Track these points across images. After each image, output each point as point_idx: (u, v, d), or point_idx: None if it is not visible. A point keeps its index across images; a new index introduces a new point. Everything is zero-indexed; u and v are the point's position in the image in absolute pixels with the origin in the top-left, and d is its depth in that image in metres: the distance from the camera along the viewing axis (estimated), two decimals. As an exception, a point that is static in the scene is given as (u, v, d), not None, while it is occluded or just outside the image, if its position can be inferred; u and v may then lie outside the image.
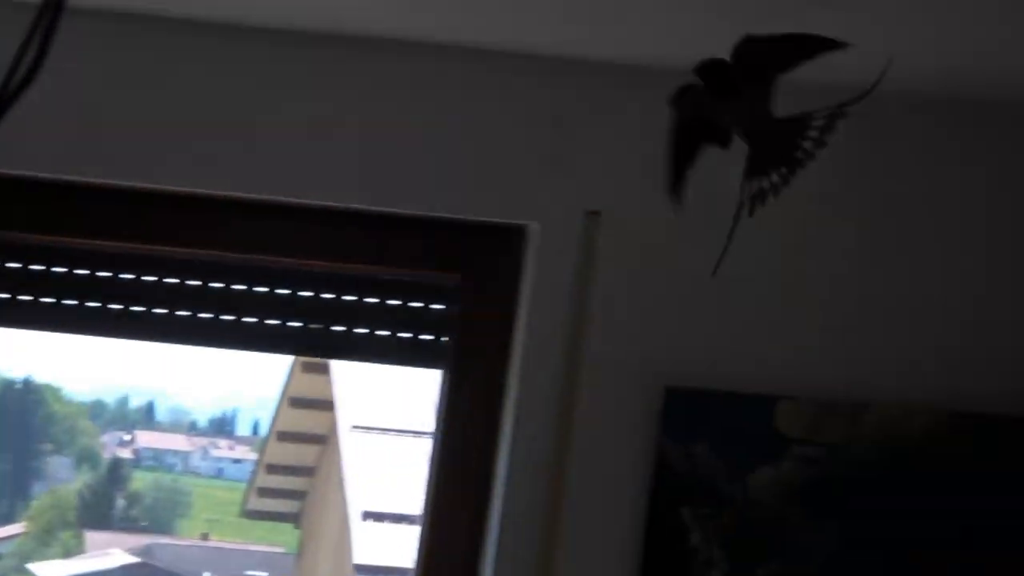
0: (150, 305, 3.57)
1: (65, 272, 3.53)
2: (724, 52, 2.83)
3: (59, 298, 3.54)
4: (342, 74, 3.40)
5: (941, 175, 3.53)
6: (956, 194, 3.53)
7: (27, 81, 1.37)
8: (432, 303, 3.58)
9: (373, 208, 3.44)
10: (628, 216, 3.44)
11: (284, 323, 3.59)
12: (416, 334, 3.58)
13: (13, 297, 3.55)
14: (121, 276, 3.55)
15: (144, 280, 3.57)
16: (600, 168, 3.44)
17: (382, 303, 3.55)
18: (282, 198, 3.42)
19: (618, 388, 3.42)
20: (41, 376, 4.63)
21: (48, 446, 5.01)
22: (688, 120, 2.11)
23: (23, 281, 3.51)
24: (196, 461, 5.34)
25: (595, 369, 3.43)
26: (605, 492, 3.44)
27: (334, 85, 3.41)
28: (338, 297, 3.58)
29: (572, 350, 3.41)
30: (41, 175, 3.36)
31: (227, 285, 3.54)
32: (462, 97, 3.43)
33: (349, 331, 3.57)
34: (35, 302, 3.52)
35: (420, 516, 3.55)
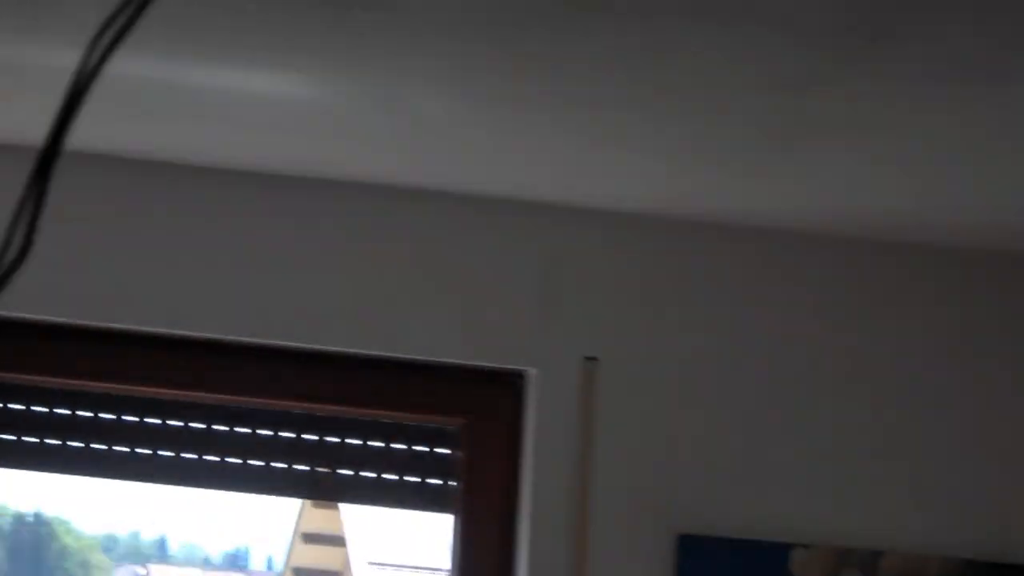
0: (156, 447, 3.56)
1: (69, 414, 3.53)
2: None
3: (65, 440, 3.53)
4: (348, 220, 3.42)
5: (956, 325, 3.51)
6: (970, 344, 3.51)
7: (16, 265, 1.36)
8: (437, 447, 3.57)
9: (377, 353, 3.45)
10: (627, 361, 3.43)
11: (290, 466, 3.56)
12: (423, 478, 3.56)
13: (19, 438, 3.53)
14: (126, 418, 3.55)
15: (149, 423, 3.56)
16: (597, 314, 3.46)
17: (387, 447, 3.53)
18: (289, 343, 3.43)
19: (630, 535, 3.40)
20: (51, 510, 4.60)
21: (64, 580, 5.02)
22: None
23: (29, 422, 3.50)
24: (209, 595, 5.30)
25: (605, 515, 3.41)
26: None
27: (338, 232, 3.43)
28: (343, 441, 3.56)
29: (580, 497, 3.38)
30: (49, 319, 3.35)
31: (231, 428, 3.53)
32: (462, 244, 3.46)
33: (357, 474, 3.55)
34: (41, 443, 3.52)
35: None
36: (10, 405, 3.46)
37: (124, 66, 2.46)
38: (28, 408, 3.48)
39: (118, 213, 3.35)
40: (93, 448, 3.52)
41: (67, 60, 2.70)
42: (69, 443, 3.52)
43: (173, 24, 2.39)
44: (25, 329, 3.31)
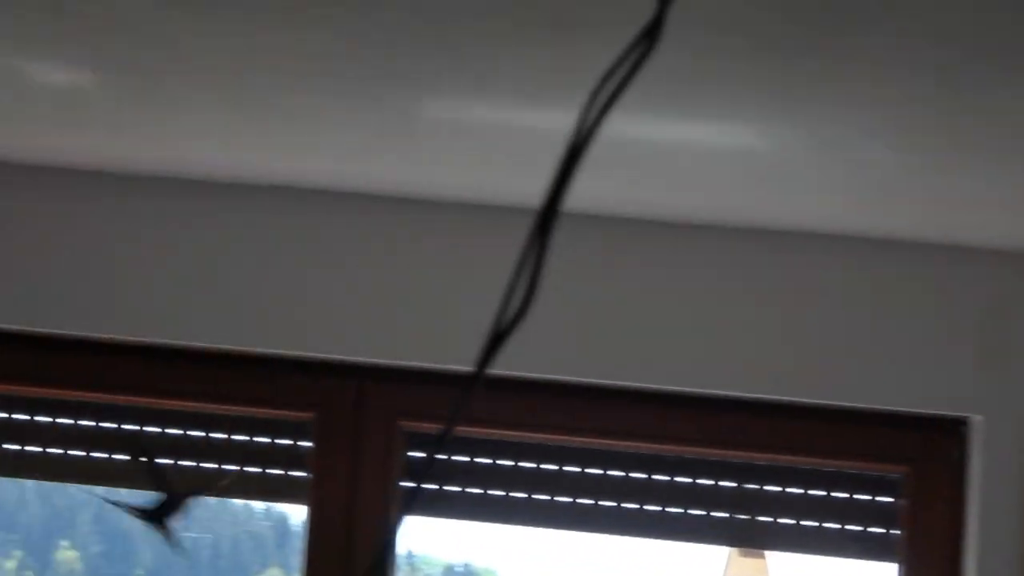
0: (589, 496, 3.62)
1: (490, 463, 3.62)
2: None
3: (487, 489, 3.65)
4: (776, 269, 3.43)
5: None
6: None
7: (517, 321, 1.38)
8: (878, 495, 3.55)
9: (817, 402, 3.44)
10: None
11: (731, 516, 3.58)
12: (865, 527, 3.53)
13: (441, 488, 3.65)
14: (566, 469, 3.61)
15: (578, 472, 3.62)
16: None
17: (827, 495, 3.52)
18: (731, 393, 3.45)
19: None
20: (481, 561, 4.70)
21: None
22: None
23: (457, 472, 3.61)
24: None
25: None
26: None
27: (767, 279, 3.44)
28: (783, 489, 3.57)
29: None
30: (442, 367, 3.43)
31: (671, 478, 3.56)
32: (896, 291, 3.43)
33: (797, 523, 3.56)
34: (464, 492, 3.64)
35: None
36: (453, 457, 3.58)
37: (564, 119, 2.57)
38: (450, 458, 3.59)
39: (585, 268, 3.43)
40: (517, 497, 3.62)
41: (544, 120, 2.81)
42: (490, 492, 3.63)
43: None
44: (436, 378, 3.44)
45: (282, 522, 4.61)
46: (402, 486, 3.58)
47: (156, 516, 3.44)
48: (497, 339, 1.40)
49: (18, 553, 4.59)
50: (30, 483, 4.44)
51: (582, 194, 3.26)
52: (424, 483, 3.27)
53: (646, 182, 3.23)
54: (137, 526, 4.45)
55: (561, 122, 2.68)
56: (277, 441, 3.65)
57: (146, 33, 2.59)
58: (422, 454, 3.63)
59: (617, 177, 3.14)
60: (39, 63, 2.86)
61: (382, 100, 2.82)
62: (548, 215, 1.36)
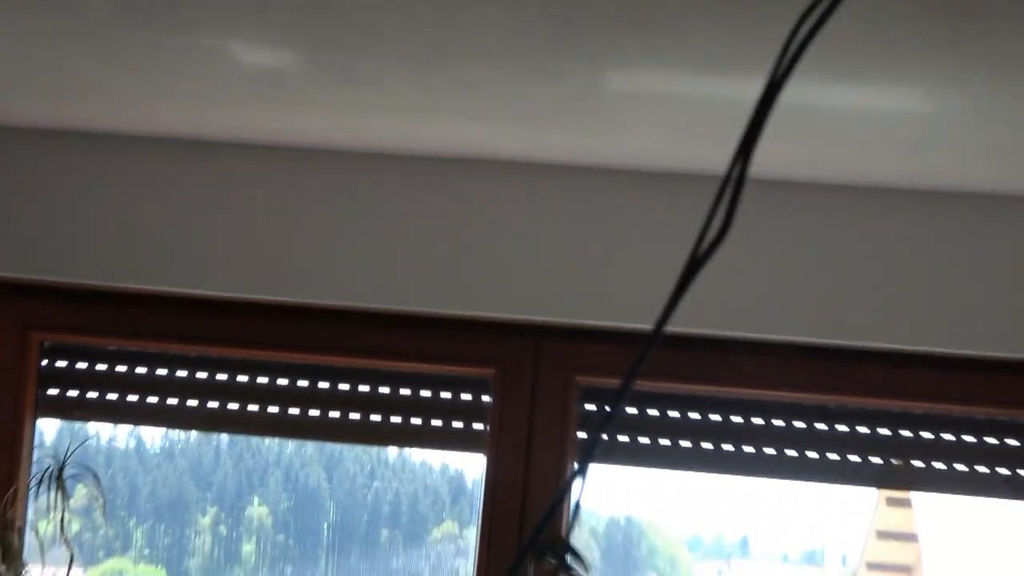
0: (746, 443, 3.71)
1: (658, 415, 3.71)
2: None
3: (655, 438, 3.73)
4: (949, 231, 3.47)
5: None
6: None
7: (717, 242, 1.36)
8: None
9: (968, 352, 3.49)
10: None
11: (887, 460, 3.66)
12: (1014, 470, 3.60)
13: (613, 439, 3.74)
14: (713, 418, 3.72)
15: (734, 421, 3.73)
16: None
17: (980, 440, 3.59)
18: (908, 347, 3.50)
19: None
20: (641, 514, 4.81)
21: (652, 575, 5.23)
22: None
23: (625, 423, 3.70)
24: (791, 590, 5.45)
25: None
26: None
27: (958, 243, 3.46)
28: (938, 436, 3.64)
29: None
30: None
31: (851, 428, 3.64)
32: None
33: (950, 467, 3.64)
34: (634, 442, 3.71)
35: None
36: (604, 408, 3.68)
37: (744, 88, 2.64)
38: (623, 411, 3.65)
39: (752, 229, 3.49)
40: (680, 446, 3.70)
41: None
42: (659, 440, 3.71)
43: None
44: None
45: (458, 479, 4.72)
46: (578, 438, 3.67)
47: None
48: (694, 266, 1.37)
49: (213, 510, 4.73)
50: (224, 444, 4.59)
51: (764, 160, 3.34)
52: (600, 436, 3.33)
53: (826, 148, 3.25)
54: (324, 482, 4.61)
55: (732, 92, 2.81)
56: (460, 396, 3.72)
57: (346, 17, 2.61)
58: (595, 407, 3.69)
59: (799, 143, 3.18)
60: (245, 44, 2.86)
61: (563, 74, 2.83)
62: (748, 143, 1.34)
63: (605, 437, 3.68)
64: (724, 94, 2.88)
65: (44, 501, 3.41)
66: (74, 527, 3.41)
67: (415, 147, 3.54)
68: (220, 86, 3.13)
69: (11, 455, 3.70)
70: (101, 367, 3.79)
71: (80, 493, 3.44)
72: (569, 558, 3.25)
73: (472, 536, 4.46)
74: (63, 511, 3.36)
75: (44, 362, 3.79)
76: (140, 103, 3.34)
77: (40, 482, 3.37)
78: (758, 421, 3.69)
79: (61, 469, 3.34)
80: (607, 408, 3.54)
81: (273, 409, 3.78)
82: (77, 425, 3.91)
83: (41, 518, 3.56)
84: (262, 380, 3.77)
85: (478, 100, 3.07)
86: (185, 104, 3.31)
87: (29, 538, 3.58)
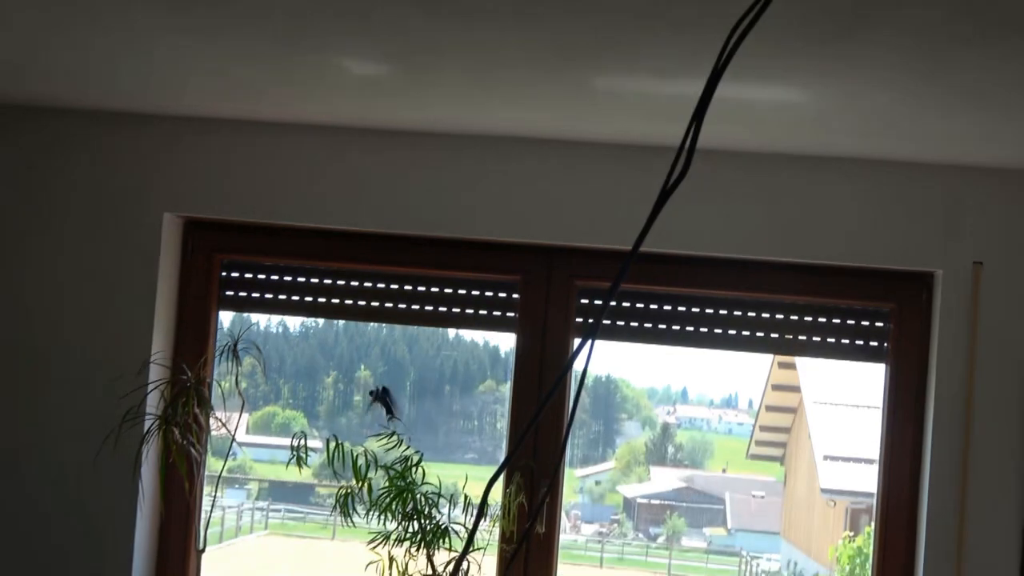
0: (684, 324, 3.65)
1: (631, 306, 3.66)
2: None
3: (628, 322, 3.68)
4: None
5: None
6: None
7: (679, 180, 1.36)
8: (875, 321, 3.49)
9: (843, 264, 3.43)
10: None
11: (766, 335, 3.61)
12: (866, 341, 3.53)
13: (627, 323, 3.71)
14: (665, 308, 3.68)
15: (680, 310, 3.66)
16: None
17: (843, 322, 3.51)
18: (747, 256, 3.42)
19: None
20: (615, 373, 4.87)
21: (623, 416, 5.26)
22: None
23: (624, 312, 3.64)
24: (715, 424, 5.47)
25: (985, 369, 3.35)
26: (1000, 483, 3.32)
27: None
28: (801, 318, 3.57)
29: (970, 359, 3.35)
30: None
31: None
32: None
33: (809, 338, 3.58)
34: (627, 325, 3.69)
35: (878, 458, 3.58)
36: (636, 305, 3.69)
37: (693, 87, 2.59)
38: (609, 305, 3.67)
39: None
40: (644, 327, 3.66)
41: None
42: (630, 323, 3.67)
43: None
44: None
45: (494, 351, 4.74)
46: (576, 322, 3.63)
47: (382, 398, 3.40)
48: (663, 198, 1.36)
49: (334, 373, 4.79)
50: (341, 328, 4.64)
51: (704, 134, 3.17)
52: (599, 319, 3.27)
53: (736, 126, 3.10)
54: (407, 354, 4.64)
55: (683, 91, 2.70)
56: (499, 294, 3.71)
57: (418, 38, 2.57)
58: (589, 302, 3.64)
59: (724, 124, 3.07)
60: (351, 59, 2.82)
61: (561, 74, 2.74)
62: (700, 110, 1.33)
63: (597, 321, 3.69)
64: (675, 92, 2.84)
65: (224, 367, 3.45)
66: (242, 384, 3.46)
67: (467, 128, 3.50)
68: (354, 87, 3.08)
69: (203, 335, 3.75)
70: (261, 276, 3.79)
71: (247, 362, 3.48)
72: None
73: (505, 389, 4.51)
74: (236, 373, 3.40)
75: (223, 274, 3.80)
76: (293, 99, 3.31)
77: (222, 353, 3.41)
78: (695, 309, 3.65)
79: (236, 344, 3.38)
80: (600, 303, 3.55)
81: (374, 303, 3.74)
82: (244, 316, 3.95)
83: (221, 378, 3.61)
84: (367, 284, 3.75)
85: (510, 97, 3.03)
86: (321, 98, 3.29)
87: (215, 390, 3.64)
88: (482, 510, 1.39)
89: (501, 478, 3.60)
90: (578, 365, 1.58)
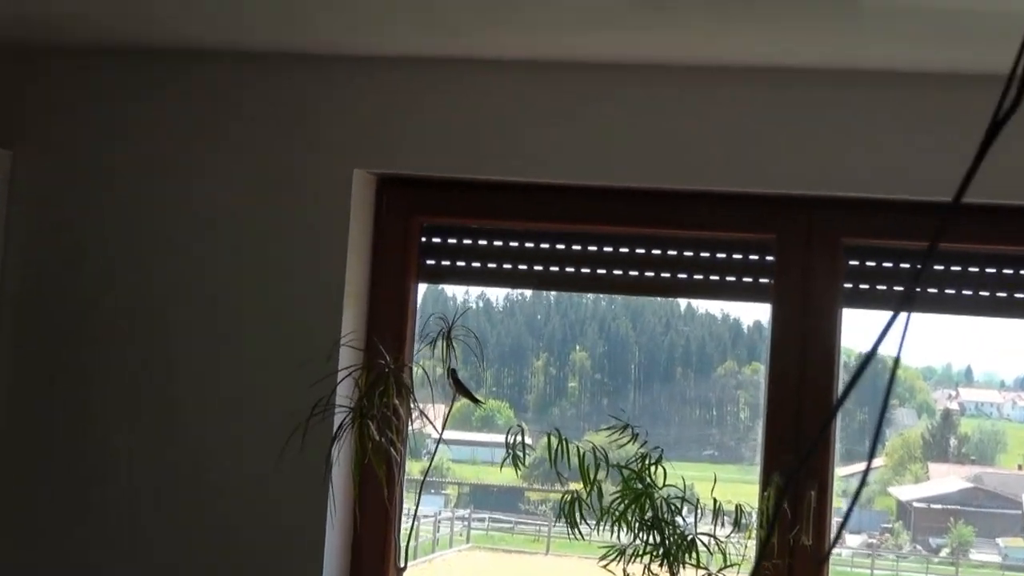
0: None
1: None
2: None
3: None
4: None
5: None
6: None
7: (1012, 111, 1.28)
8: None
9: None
10: None
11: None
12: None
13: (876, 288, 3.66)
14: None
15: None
16: None
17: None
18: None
19: None
20: (883, 351, 4.80)
21: (895, 401, 5.17)
22: None
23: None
24: (1008, 411, 5.31)
25: None
26: None
27: None
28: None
29: None
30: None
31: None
32: None
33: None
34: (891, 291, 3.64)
35: None
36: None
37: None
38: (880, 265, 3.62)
39: None
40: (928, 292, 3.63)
41: None
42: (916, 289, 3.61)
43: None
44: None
45: (736, 326, 4.73)
46: (846, 288, 3.61)
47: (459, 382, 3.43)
48: (994, 129, 1.27)
49: (544, 355, 4.83)
50: (552, 303, 4.67)
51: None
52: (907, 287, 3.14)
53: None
54: (630, 330, 4.65)
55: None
56: (749, 256, 3.71)
57: None
58: (858, 263, 3.62)
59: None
60: None
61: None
62: None
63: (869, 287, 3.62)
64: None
65: (425, 349, 3.48)
66: (461, 372, 3.50)
67: (704, 60, 3.52)
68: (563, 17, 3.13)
69: (401, 312, 3.82)
70: (467, 241, 3.85)
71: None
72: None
73: (749, 372, 4.48)
74: (449, 361, 3.43)
75: (423, 239, 3.85)
76: (486, 29, 3.38)
77: (435, 340, 3.40)
78: (990, 270, 3.60)
79: (450, 329, 3.40)
80: (916, 265, 3.46)
81: (588, 271, 3.78)
82: (438, 288, 4.02)
83: (419, 361, 3.65)
84: (580, 247, 3.79)
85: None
86: (522, 31, 3.34)
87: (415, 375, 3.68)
88: (776, 517, 1.37)
89: (756, 480, 3.59)
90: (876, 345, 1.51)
